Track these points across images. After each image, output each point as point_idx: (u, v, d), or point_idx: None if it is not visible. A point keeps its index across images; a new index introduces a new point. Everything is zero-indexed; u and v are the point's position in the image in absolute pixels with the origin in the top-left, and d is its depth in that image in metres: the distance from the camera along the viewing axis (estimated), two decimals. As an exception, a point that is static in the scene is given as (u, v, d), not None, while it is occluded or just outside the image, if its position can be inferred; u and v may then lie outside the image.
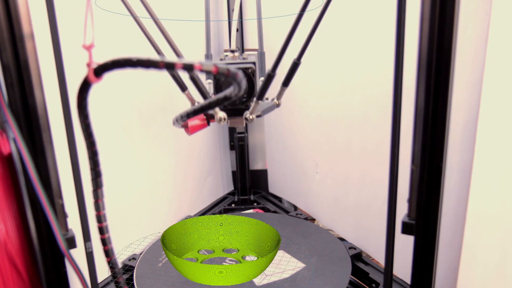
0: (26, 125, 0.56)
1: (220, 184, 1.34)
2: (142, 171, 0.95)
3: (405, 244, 0.72)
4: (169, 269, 0.92)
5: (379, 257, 1.01)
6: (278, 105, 0.82)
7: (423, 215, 0.63)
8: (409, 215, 0.66)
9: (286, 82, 0.81)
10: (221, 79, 0.75)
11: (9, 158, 0.56)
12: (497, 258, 0.72)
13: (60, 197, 0.62)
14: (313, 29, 0.79)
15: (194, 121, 0.77)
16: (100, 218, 0.58)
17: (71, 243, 0.62)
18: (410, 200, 0.65)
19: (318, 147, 1.13)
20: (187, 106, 1.15)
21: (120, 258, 1.00)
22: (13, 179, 0.57)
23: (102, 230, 0.58)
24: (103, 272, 0.85)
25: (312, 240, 1.01)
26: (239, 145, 1.28)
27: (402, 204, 0.67)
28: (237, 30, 1.14)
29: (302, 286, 0.86)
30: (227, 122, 0.79)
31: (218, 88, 0.78)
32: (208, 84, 0.83)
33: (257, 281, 0.88)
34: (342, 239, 1.09)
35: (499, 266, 0.72)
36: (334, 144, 1.08)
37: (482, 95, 0.68)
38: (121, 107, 0.92)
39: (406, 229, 0.66)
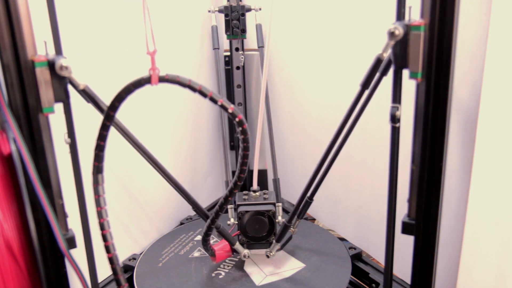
0: (26, 125, 0.56)
1: (220, 184, 1.34)
2: (142, 171, 0.95)
3: (405, 244, 0.72)
4: (169, 269, 0.92)
5: (379, 257, 1.01)
6: (294, 233, 0.91)
7: (423, 215, 0.63)
8: (409, 215, 0.66)
9: (300, 214, 0.89)
10: (244, 219, 0.90)
11: (9, 158, 0.56)
12: (497, 258, 0.72)
13: (60, 197, 0.62)
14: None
15: (220, 251, 0.88)
16: (101, 214, 0.58)
17: (71, 243, 0.62)
18: (410, 200, 0.65)
19: (318, 147, 1.13)
20: (183, 105, 1.15)
21: (120, 258, 1.00)
22: (13, 179, 0.57)
23: (103, 226, 0.58)
24: (103, 272, 0.85)
25: (312, 240, 1.01)
26: (239, 145, 1.28)
27: (402, 204, 0.67)
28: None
29: (302, 286, 0.86)
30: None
31: (241, 226, 0.91)
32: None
33: (257, 281, 0.88)
34: (342, 239, 1.09)
35: (499, 266, 0.72)
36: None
37: (482, 95, 0.68)
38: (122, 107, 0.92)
39: (406, 229, 0.66)
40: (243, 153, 0.61)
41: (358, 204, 1.06)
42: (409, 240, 0.66)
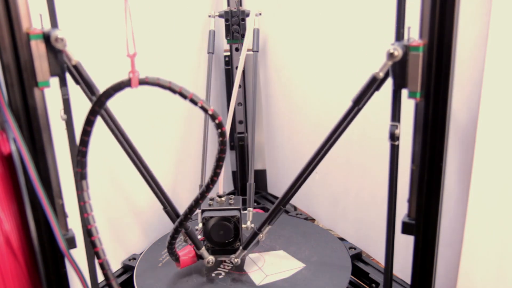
0: (26, 125, 0.56)
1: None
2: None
3: (405, 244, 0.72)
4: (169, 269, 0.92)
5: (379, 257, 1.01)
6: (261, 239, 0.89)
7: (423, 215, 0.63)
8: (409, 215, 0.66)
9: (270, 221, 0.87)
10: (208, 225, 0.88)
11: (9, 158, 0.56)
12: (497, 258, 0.72)
13: (60, 197, 0.61)
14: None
15: (185, 257, 0.87)
16: (88, 220, 0.58)
17: (71, 243, 0.62)
18: (410, 200, 0.65)
19: (317, 147, 1.13)
20: (183, 104, 1.15)
21: (120, 257, 1.00)
22: (13, 179, 0.57)
23: (90, 232, 0.58)
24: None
25: (312, 240, 1.01)
26: (239, 145, 1.28)
27: (402, 204, 0.67)
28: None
29: (302, 286, 0.86)
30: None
31: (206, 232, 0.89)
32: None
33: (257, 281, 0.88)
34: (342, 239, 1.09)
35: (499, 266, 0.72)
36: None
37: (482, 95, 0.68)
38: (123, 106, 0.92)
39: (406, 229, 0.66)
40: (218, 156, 0.61)
41: (358, 204, 1.06)
42: (409, 240, 0.66)
